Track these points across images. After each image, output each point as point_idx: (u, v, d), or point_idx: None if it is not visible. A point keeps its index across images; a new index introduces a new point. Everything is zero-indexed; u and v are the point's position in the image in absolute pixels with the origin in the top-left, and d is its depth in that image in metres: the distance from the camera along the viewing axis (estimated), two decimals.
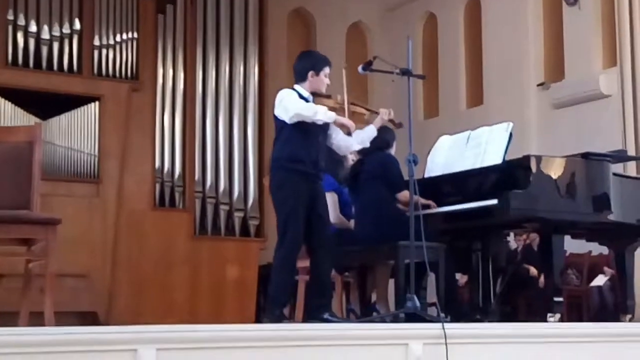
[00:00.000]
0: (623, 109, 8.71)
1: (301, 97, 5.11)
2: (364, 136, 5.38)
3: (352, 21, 12.84)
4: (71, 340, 3.48)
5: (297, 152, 5.03)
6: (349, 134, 5.24)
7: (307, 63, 5.22)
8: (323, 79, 5.18)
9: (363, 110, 5.43)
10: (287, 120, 5.02)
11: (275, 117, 5.15)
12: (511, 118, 6.63)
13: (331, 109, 5.19)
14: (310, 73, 5.16)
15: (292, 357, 3.95)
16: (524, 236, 8.96)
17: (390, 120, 5.48)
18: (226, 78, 10.58)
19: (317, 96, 5.18)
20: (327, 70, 5.20)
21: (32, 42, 9.54)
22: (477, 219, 5.70)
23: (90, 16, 9.86)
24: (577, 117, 10.04)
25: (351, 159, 6.39)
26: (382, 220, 5.63)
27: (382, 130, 5.60)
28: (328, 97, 5.24)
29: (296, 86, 5.18)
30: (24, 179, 4.54)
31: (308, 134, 5.04)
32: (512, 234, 8.78)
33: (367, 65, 5.30)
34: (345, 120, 5.15)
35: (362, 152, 6.02)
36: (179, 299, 9.68)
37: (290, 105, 5.02)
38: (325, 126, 5.17)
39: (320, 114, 5.00)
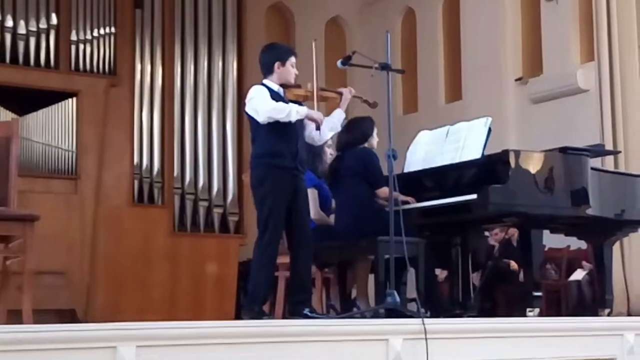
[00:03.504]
0: (601, 104, 8.75)
1: (272, 91, 5.09)
2: (334, 122, 5.34)
3: (331, 16, 12.83)
4: (50, 338, 3.45)
5: (276, 146, 5.02)
6: (318, 128, 5.21)
7: (272, 55, 5.20)
8: (290, 69, 5.16)
9: (335, 95, 5.39)
10: (260, 122, 5.01)
11: (248, 115, 5.13)
12: (490, 113, 6.64)
13: (302, 97, 5.19)
14: (277, 64, 5.14)
15: (272, 353, 3.94)
16: (503, 233, 8.99)
17: (365, 101, 5.44)
18: (205, 73, 10.54)
19: (287, 87, 5.16)
20: (293, 60, 5.19)
21: (8, 37, 9.45)
22: (457, 214, 5.71)
23: (67, 11, 9.78)
24: (555, 111, 10.09)
25: (329, 153, 6.38)
26: (362, 216, 5.63)
27: (359, 122, 5.57)
28: (298, 86, 5.22)
29: (265, 81, 5.16)
30: (1, 175, 4.50)
31: (286, 127, 5.02)
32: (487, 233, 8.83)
33: (346, 60, 5.29)
34: (315, 114, 5.10)
35: (339, 148, 6.01)
36: (158, 295, 9.64)
37: (260, 107, 5.00)
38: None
39: (292, 114, 4.97)
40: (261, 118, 5.00)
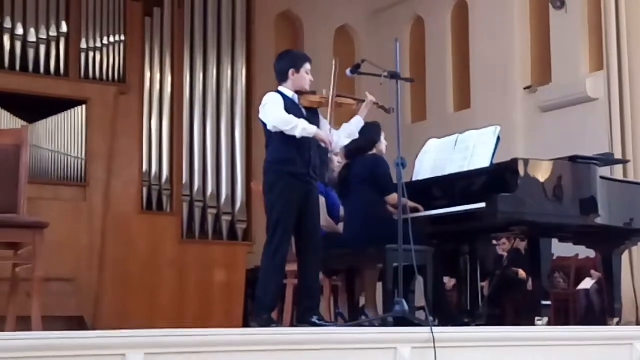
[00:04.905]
0: (610, 113, 8.74)
1: (286, 98, 5.10)
2: (352, 129, 5.37)
3: (340, 24, 12.84)
4: (59, 345, 3.46)
5: (289, 154, 5.03)
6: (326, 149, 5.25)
7: (286, 62, 5.22)
8: (305, 76, 5.18)
9: (350, 101, 5.41)
10: (270, 129, 5.03)
11: (261, 121, 5.15)
12: (499, 121, 6.64)
13: (316, 104, 5.20)
14: (291, 71, 5.16)
15: None
16: (510, 244, 8.99)
17: (381, 107, 5.45)
18: (214, 81, 10.57)
19: (301, 94, 5.18)
20: (307, 66, 5.21)
21: (18, 45, 9.49)
22: (465, 223, 5.71)
23: (77, 19, 9.82)
24: (564, 120, 10.07)
25: (337, 160, 6.38)
26: (371, 224, 5.62)
27: (366, 128, 5.56)
28: (313, 93, 5.24)
29: (280, 88, 5.18)
30: (11, 182, 4.52)
31: None
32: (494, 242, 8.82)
33: (355, 69, 5.30)
34: (325, 136, 5.11)
35: (348, 155, 6.01)
36: (166, 302, 9.65)
37: (270, 116, 5.02)
38: (316, 124, 5.15)
39: (298, 129, 4.97)
40: (269, 126, 5.03)
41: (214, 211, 10.31)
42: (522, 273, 8.69)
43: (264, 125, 5.12)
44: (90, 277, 9.37)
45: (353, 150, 5.85)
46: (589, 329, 5.22)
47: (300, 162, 5.04)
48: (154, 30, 10.29)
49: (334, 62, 5.31)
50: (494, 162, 5.69)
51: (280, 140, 5.04)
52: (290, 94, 5.14)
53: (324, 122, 5.26)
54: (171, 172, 10.16)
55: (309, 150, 5.08)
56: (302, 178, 5.05)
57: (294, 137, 5.00)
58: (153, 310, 9.42)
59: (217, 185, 10.38)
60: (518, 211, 5.40)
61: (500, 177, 5.55)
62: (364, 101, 5.41)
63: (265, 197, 5.14)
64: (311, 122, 5.11)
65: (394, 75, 5.14)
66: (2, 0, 9.44)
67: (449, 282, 7.57)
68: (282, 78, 5.19)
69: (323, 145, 5.17)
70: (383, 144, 5.96)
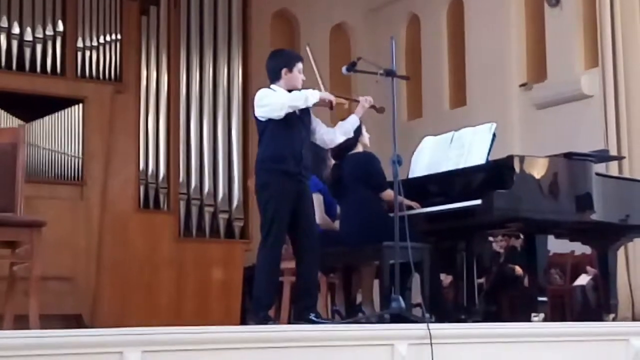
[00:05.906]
0: (605, 109, 8.77)
1: None
2: (347, 127, 5.35)
3: (336, 22, 12.86)
4: (56, 343, 3.47)
5: (280, 151, 5.02)
6: (331, 107, 5.22)
7: (279, 61, 5.21)
8: (297, 75, 5.17)
9: (342, 100, 5.41)
10: (277, 117, 4.98)
11: (256, 119, 5.13)
12: (494, 118, 6.67)
13: None
14: (284, 70, 5.15)
15: (277, 358, 3.96)
16: (505, 242, 9.02)
17: (372, 107, 5.45)
18: (210, 79, 10.57)
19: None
20: (299, 66, 5.19)
21: (15, 44, 9.49)
22: (461, 219, 5.73)
23: (73, 18, 9.82)
24: (559, 117, 10.10)
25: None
26: (368, 221, 5.64)
27: None
28: None
29: (272, 86, 5.17)
30: (8, 181, 4.54)
31: (290, 131, 5.03)
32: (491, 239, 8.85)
33: (351, 66, 5.31)
34: (327, 95, 5.13)
35: (335, 155, 6.01)
36: (164, 301, 9.66)
37: (277, 101, 5.01)
38: (307, 122, 5.16)
39: (309, 98, 5.01)
40: (283, 111, 4.98)
41: (211, 209, 10.31)
42: (518, 269, 8.73)
43: (259, 123, 5.10)
44: (88, 275, 9.38)
45: (338, 149, 5.84)
46: (585, 325, 5.24)
47: (292, 160, 5.02)
48: (150, 29, 10.29)
49: (307, 47, 5.31)
50: (490, 159, 5.71)
51: (270, 137, 5.03)
52: (283, 92, 5.14)
53: (317, 121, 5.27)
54: (168, 171, 10.17)
55: (300, 148, 5.07)
56: (293, 176, 5.04)
57: (285, 134, 5.00)
58: (151, 308, 9.43)
59: (214, 184, 10.39)
60: (514, 208, 5.43)
61: (496, 173, 5.57)
62: (356, 100, 5.42)
63: (257, 196, 5.13)
64: (304, 121, 5.12)
65: (390, 73, 5.16)
66: None
67: (445, 278, 7.59)
68: (275, 77, 5.18)
69: (327, 105, 5.16)
70: (366, 137, 5.94)
